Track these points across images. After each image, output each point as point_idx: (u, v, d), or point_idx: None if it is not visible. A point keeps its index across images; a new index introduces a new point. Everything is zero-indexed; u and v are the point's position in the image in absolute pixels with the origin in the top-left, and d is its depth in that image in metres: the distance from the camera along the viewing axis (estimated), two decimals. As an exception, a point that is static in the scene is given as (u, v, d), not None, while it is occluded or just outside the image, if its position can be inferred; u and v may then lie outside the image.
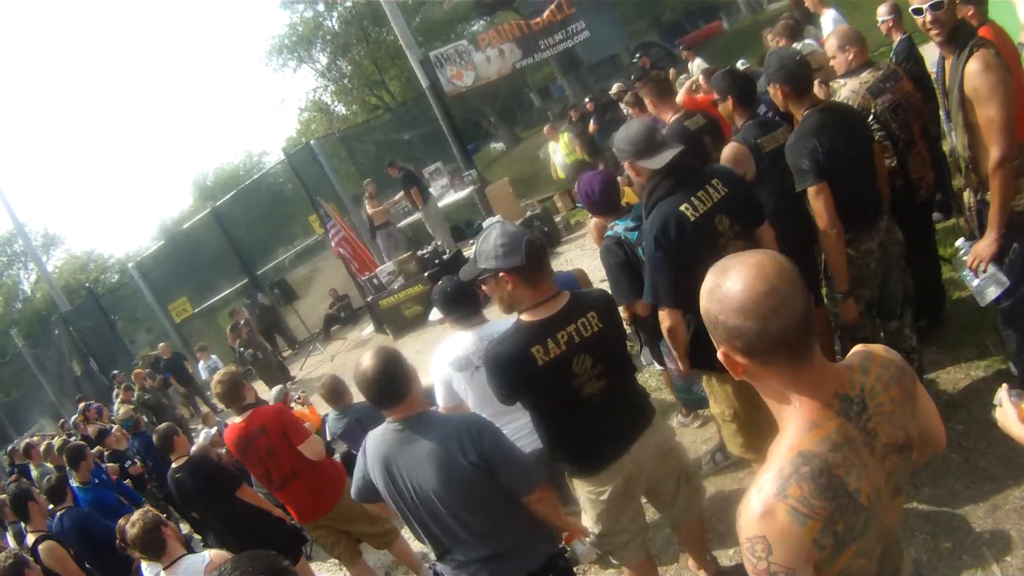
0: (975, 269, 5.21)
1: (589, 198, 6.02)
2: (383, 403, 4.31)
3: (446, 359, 5.72)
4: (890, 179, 6.19)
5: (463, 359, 5.61)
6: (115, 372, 22.79)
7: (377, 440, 4.41)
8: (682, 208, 4.68)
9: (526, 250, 4.19)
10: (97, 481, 10.45)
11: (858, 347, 2.53)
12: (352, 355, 19.55)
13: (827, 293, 5.80)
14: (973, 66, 4.78)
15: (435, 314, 6.01)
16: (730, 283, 2.15)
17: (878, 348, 2.49)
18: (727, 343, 2.19)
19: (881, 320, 5.88)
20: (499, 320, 5.78)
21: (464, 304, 5.77)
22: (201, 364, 19.80)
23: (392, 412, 4.32)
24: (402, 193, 20.66)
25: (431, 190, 21.19)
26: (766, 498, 2.13)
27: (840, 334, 5.83)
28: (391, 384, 4.25)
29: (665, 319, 4.90)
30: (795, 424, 2.22)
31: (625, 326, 5.75)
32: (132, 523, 5.76)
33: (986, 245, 5.09)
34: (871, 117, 6.18)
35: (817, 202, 5.25)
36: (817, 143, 5.22)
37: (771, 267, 2.13)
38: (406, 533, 7.26)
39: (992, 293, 5.30)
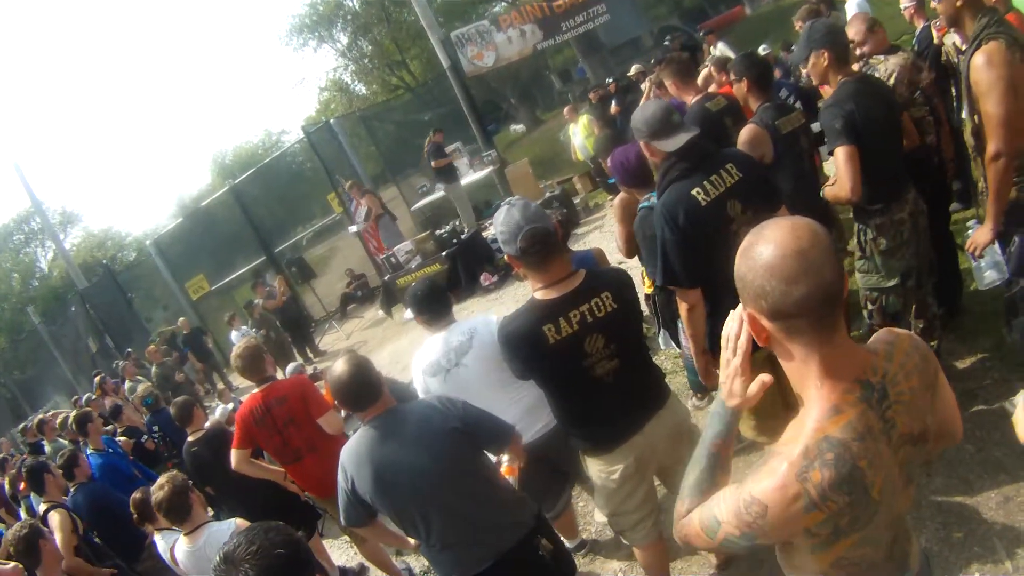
0: (973, 254, 5.28)
1: (624, 168, 5.96)
2: (359, 406, 4.50)
3: (419, 367, 5.76)
4: (927, 158, 6.21)
5: (434, 364, 5.64)
6: (128, 350, 22.82)
7: (359, 447, 4.51)
8: (694, 192, 4.67)
9: (522, 242, 4.23)
10: (112, 451, 10.55)
11: (883, 331, 2.52)
12: (369, 333, 19.69)
13: (860, 265, 5.80)
14: (976, 60, 4.82)
15: (408, 313, 6.10)
16: (763, 243, 2.15)
17: (903, 334, 2.47)
18: (753, 303, 2.20)
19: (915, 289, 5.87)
20: (467, 319, 5.90)
21: (433, 306, 5.80)
22: (233, 334, 19.79)
23: (366, 413, 4.48)
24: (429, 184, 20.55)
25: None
26: (786, 473, 2.15)
27: (872, 308, 5.83)
28: (365, 387, 4.44)
29: (683, 300, 4.88)
30: (818, 406, 2.21)
31: (643, 307, 5.74)
32: (160, 486, 5.82)
33: (983, 233, 5.19)
34: (918, 92, 6.19)
35: (846, 165, 5.24)
36: (855, 107, 5.24)
37: (805, 232, 2.13)
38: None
39: (990, 277, 5.36)
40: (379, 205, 20.10)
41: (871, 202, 5.47)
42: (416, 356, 5.83)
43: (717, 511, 2.36)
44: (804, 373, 2.24)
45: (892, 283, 5.63)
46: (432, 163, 19.47)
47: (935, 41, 8.03)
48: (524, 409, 5.48)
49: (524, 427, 5.34)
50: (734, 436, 2.56)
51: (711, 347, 5.13)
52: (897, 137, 5.66)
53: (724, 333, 2.41)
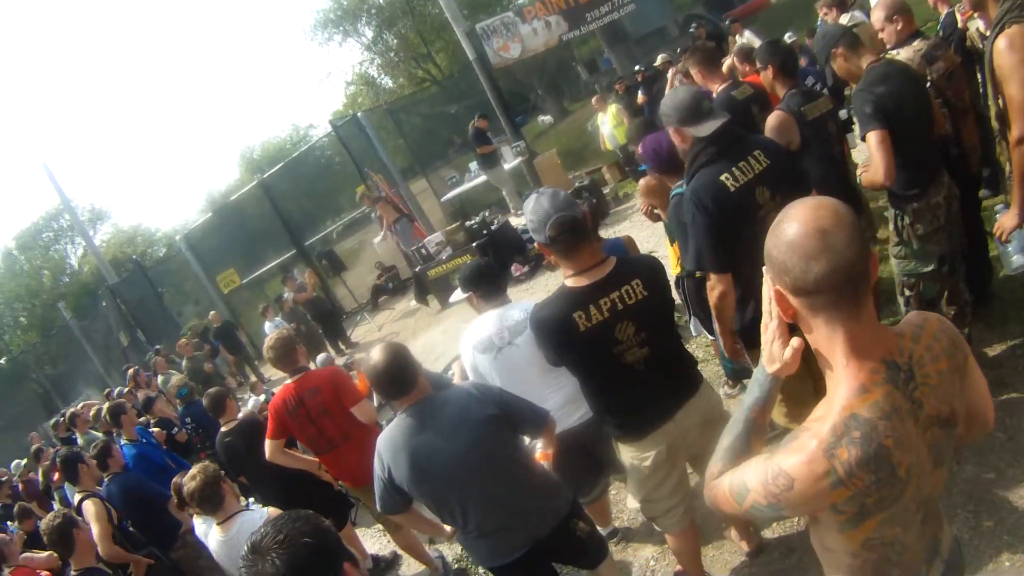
0: (1000, 239, 5.27)
1: (657, 154, 5.92)
2: (394, 394, 4.56)
3: (470, 342, 5.78)
4: (944, 147, 6.18)
5: (485, 341, 5.65)
6: (158, 346, 22.85)
7: (395, 435, 4.54)
8: (723, 178, 4.67)
9: (550, 230, 4.25)
10: (145, 441, 10.65)
11: (912, 314, 2.53)
12: (401, 324, 19.66)
13: (896, 251, 5.79)
14: (999, 43, 4.80)
15: (457, 295, 6.10)
16: (788, 221, 2.21)
17: (933, 317, 2.48)
18: (778, 279, 2.24)
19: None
20: (522, 301, 5.91)
21: (487, 282, 5.85)
22: (267, 324, 19.85)
23: (402, 401, 4.53)
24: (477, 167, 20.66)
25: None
26: (814, 449, 2.18)
27: (909, 294, 5.83)
28: (401, 376, 4.48)
29: (714, 286, 4.87)
30: (845, 385, 2.23)
31: (674, 294, 5.77)
32: (192, 476, 5.89)
33: (1009, 218, 5.14)
34: (928, 84, 6.17)
35: (878, 150, 5.23)
36: (885, 91, 5.25)
37: (827, 211, 2.16)
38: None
39: (1018, 262, 5.38)
40: (392, 210, 20.07)
41: (907, 187, 5.47)
42: (467, 331, 5.86)
43: (747, 478, 2.39)
44: (829, 351, 2.27)
45: (929, 268, 5.63)
46: (476, 149, 19.60)
47: (959, 26, 8.01)
48: (568, 396, 5.49)
49: (566, 413, 5.40)
50: (773, 404, 2.58)
51: (743, 333, 5.15)
52: (928, 120, 5.64)
53: (764, 297, 2.42)
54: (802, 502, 2.25)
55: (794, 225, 2.17)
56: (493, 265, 6.01)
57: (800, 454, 2.21)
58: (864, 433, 2.15)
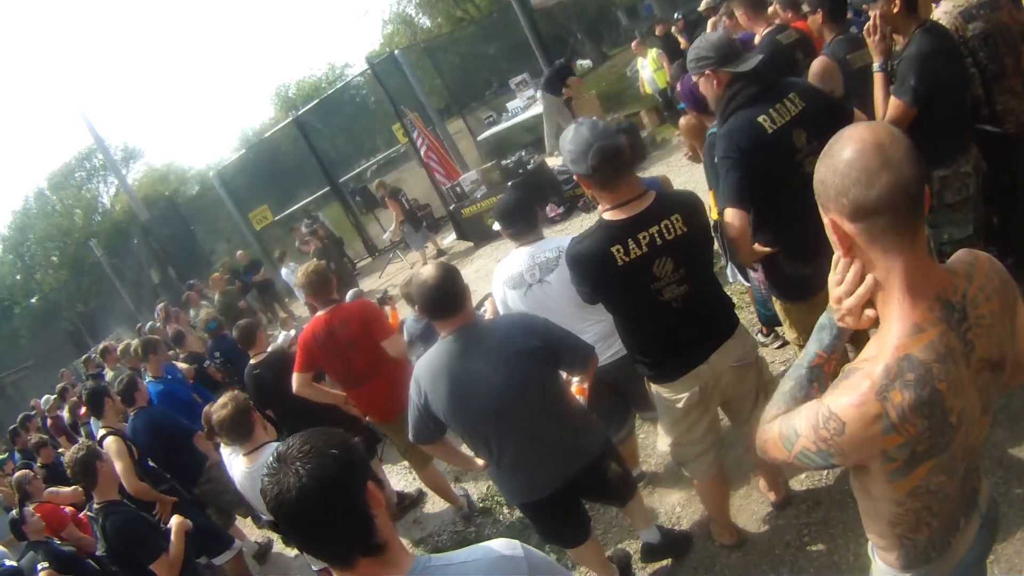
0: None
1: (694, 94, 5.83)
2: (440, 314, 4.47)
3: (501, 277, 5.78)
4: (976, 109, 6.05)
5: (516, 276, 5.66)
6: (191, 282, 22.99)
7: (435, 361, 4.50)
8: (760, 119, 4.53)
9: (592, 159, 4.14)
10: (171, 377, 10.70)
11: (962, 252, 2.43)
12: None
13: (930, 219, 5.64)
14: None
15: (496, 225, 6.07)
16: (841, 143, 2.13)
17: (983, 256, 2.39)
18: (835, 203, 2.14)
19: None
20: (556, 237, 5.89)
21: (521, 219, 5.81)
22: (283, 271, 19.96)
23: (447, 324, 4.47)
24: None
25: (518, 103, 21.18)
26: (866, 391, 2.11)
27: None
28: (451, 296, 4.41)
29: (729, 219, 4.59)
30: (899, 323, 2.15)
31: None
32: (223, 404, 5.88)
33: None
34: (961, 43, 6.03)
35: (902, 125, 5.08)
36: (937, 68, 5.15)
37: (884, 132, 2.09)
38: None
39: None
40: (401, 209, 19.87)
41: (934, 157, 5.34)
42: (499, 266, 5.88)
43: (797, 423, 2.32)
44: (887, 287, 2.18)
45: (966, 235, 5.54)
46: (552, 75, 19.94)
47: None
48: (599, 334, 5.47)
49: (598, 352, 5.27)
50: (839, 353, 2.52)
51: (773, 283, 5.09)
52: (965, 90, 5.58)
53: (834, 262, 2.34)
54: (852, 448, 2.18)
55: (850, 144, 2.09)
56: (526, 201, 5.92)
57: (852, 394, 2.13)
58: (918, 376, 2.08)
